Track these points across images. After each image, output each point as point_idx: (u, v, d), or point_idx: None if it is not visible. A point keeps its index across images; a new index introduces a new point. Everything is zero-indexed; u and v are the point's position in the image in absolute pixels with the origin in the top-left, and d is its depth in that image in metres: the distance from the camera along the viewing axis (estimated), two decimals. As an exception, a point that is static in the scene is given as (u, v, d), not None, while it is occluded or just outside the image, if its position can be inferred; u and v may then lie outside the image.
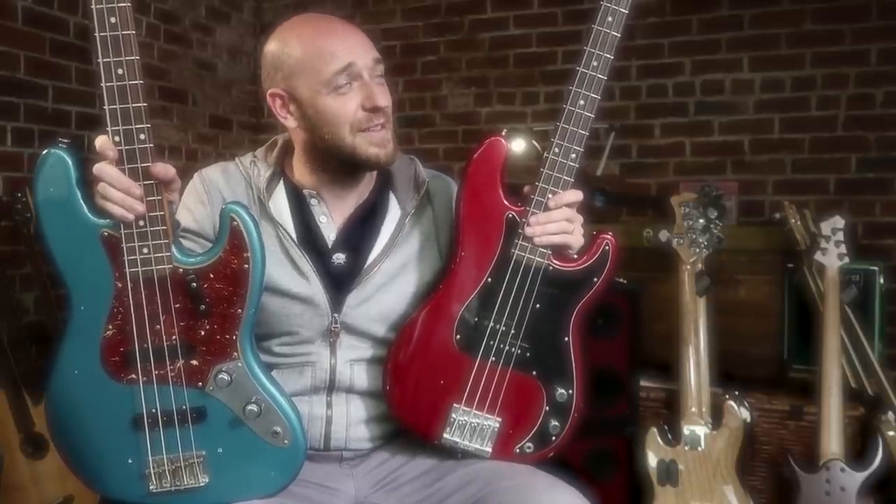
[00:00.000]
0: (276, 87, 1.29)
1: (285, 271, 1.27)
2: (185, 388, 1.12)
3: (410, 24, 3.64)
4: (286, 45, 1.27)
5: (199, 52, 3.59)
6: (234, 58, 3.82)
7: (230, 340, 1.13)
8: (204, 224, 1.30)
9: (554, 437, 1.28)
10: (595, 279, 1.27)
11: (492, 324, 1.25)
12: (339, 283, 1.30)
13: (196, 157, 3.58)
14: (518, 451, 1.27)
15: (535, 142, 3.35)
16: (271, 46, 1.29)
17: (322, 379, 1.29)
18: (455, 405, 1.25)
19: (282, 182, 1.35)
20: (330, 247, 1.32)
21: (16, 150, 2.71)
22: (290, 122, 1.31)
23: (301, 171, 1.34)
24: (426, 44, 3.63)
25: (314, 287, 1.27)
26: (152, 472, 1.12)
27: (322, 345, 1.29)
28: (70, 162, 1.07)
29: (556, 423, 1.27)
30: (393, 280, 1.31)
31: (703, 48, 3.17)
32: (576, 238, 1.25)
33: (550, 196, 1.23)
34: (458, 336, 1.25)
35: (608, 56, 1.22)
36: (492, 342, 1.25)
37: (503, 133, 1.26)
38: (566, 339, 1.28)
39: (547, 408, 1.27)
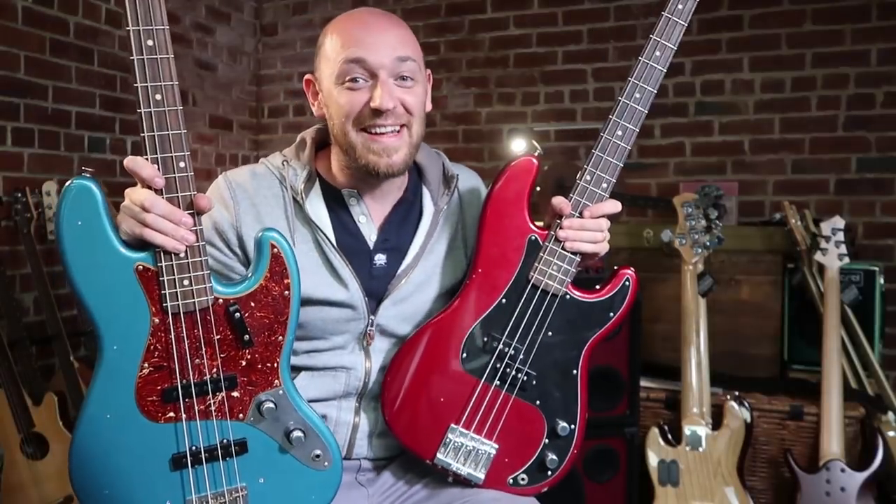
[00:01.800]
0: (312, 73, 1.28)
1: (322, 279, 1.23)
2: (229, 422, 1.09)
3: (410, 24, 3.60)
4: (326, 32, 1.24)
5: (199, 52, 3.59)
6: (234, 58, 3.82)
7: (272, 368, 1.11)
8: (222, 226, 1.23)
9: (550, 472, 1.23)
10: (611, 314, 1.24)
11: (501, 346, 1.21)
12: (379, 284, 1.26)
13: (196, 157, 3.58)
14: (511, 481, 1.22)
15: (535, 142, 3.35)
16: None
17: (355, 385, 1.26)
18: (453, 425, 1.21)
19: (318, 183, 1.29)
20: (372, 248, 1.27)
21: (16, 150, 2.71)
22: (316, 110, 1.28)
23: (337, 167, 1.29)
24: (426, 44, 3.63)
25: (353, 293, 1.23)
26: None
27: (356, 349, 1.27)
28: (98, 193, 1.00)
29: (554, 458, 1.22)
30: (429, 279, 1.29)
31: (703, 48, 3.17)
32: (604, 247, 1.23)
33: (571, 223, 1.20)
34: (465, 354, 1.22)
35: (651, 90, 1.19)
36: (498, 365, 1.21)
37: (536, 153, 1.22)
38: (575, 371, 1.23)
39: (546, 440, 1.23)
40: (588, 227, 1.20)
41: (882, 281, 2.49)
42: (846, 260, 2.29)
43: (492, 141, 3.52)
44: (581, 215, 1.20)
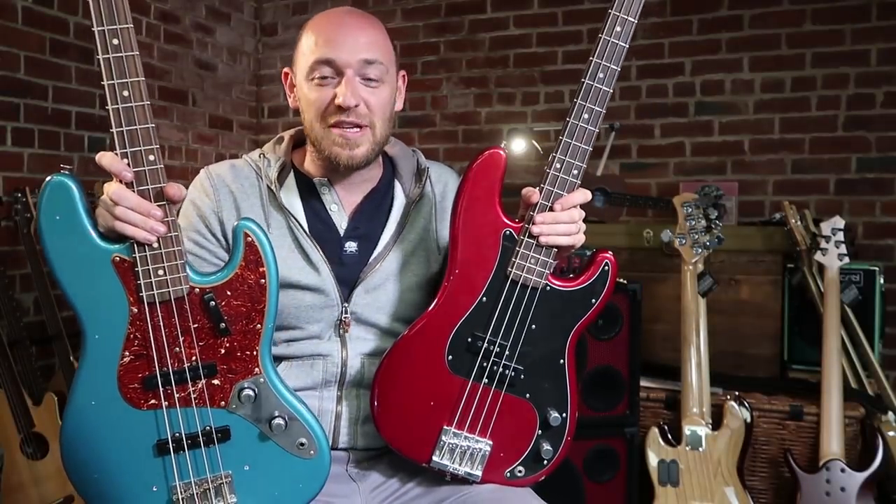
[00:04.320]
0: (290, 65, 1.34)
1: (296, 262, 1.27)
2: (209, 409, 1.11)
3: (410, 24, 3.64)
4: (304, 28, 1.30)
5: (199, 52, 3.59)
6: (234, 58, 3.82)
7: (251, 356, 1.12)
8: (204, 212, 1.29)
9: (546, 461, 1.24)
10: (594, 300, 1.23)
11: (485, 345, 1.20)
12: (350, 272, 1.30)
13: (196, 157, 3.58)
14: (509, 475, 1.24)
15: (535, 142, 3.35)
16: None
17: (333, 373, 1.28)
18: (445, 427, 1.21)
19: (292, 173, 1.35)
20: (342, 235, 1.32)
21: (16, 150, 2.71)
22: (291, 102, 1.35)
23: (310, 159, 1.35)
24: (426, 44, 3.64)
25: (325, 277, 1.27)
26: (180, 497, 1.10)
27: (333, 337, 1.29)
28: (76, 188, 1.03)
29: (549, 448, 1.23)
30: (401, 268, 1.32)
31: (703, 48, 3.17)
32: (579, 238, 1.23)
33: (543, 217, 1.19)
34: (451, 357, 1.21)
35: (615, 68, 1.16)
36: (485, 364, 1.21)
37: (502, 145, 1.22)
38: (562, 361, 1.23)
39: (539, 431, 1.23)
40: (561, 220, 1.19)
41: (882, 281, 2.49)
42: (846, 260, 2.29)
43: (492, 141, 3.52)
44: (552, 208, 1.19)
